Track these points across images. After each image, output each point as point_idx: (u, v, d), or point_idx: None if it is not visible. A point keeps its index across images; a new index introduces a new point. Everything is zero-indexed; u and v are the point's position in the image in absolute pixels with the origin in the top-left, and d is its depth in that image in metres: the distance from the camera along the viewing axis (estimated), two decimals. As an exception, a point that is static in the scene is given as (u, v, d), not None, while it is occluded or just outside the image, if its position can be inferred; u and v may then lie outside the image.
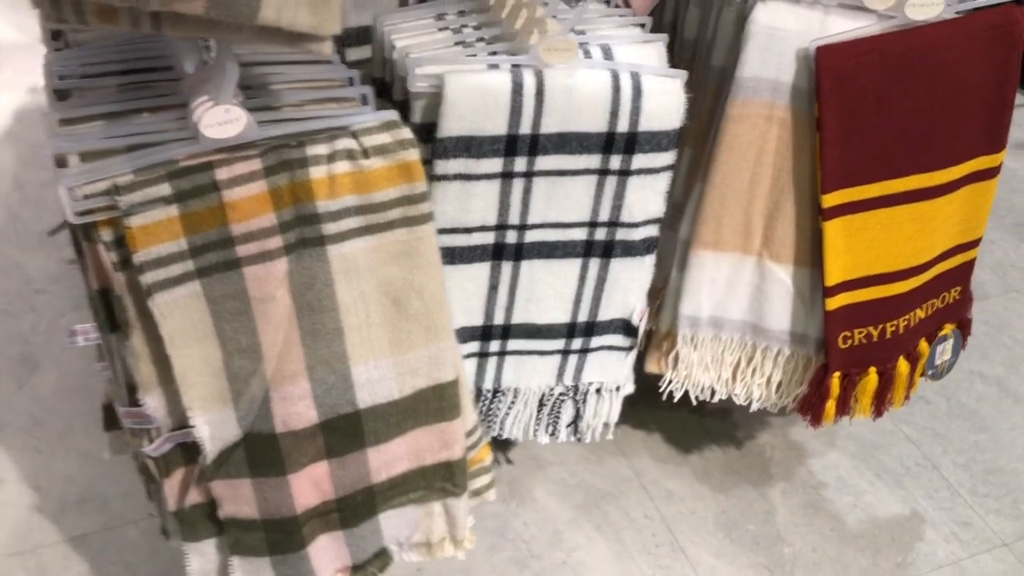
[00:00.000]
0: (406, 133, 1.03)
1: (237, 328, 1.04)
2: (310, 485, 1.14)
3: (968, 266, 1.53)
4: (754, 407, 1.60)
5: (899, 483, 1.86)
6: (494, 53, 1.21)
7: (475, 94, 1.16)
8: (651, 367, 1.58)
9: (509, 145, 1.19)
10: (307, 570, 1.19)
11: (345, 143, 1.02)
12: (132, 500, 1.66)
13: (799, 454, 1.91)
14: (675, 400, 1.57)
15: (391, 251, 1.06)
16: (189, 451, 1.12)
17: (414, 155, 1.03)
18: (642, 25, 1.35)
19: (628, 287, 1.36)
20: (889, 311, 1.48)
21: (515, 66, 1.18)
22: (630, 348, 1.44)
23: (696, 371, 1.57)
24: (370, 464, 1.16)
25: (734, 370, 1.58)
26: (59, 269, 2.17)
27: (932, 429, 1.97)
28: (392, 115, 1.05)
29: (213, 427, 1.08)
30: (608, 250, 1.31)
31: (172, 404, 1.10)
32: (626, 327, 1.40)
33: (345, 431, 1.13)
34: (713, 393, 1.60)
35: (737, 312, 1.51)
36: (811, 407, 1.54)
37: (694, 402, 1.63)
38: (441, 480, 1.21)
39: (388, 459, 1.17)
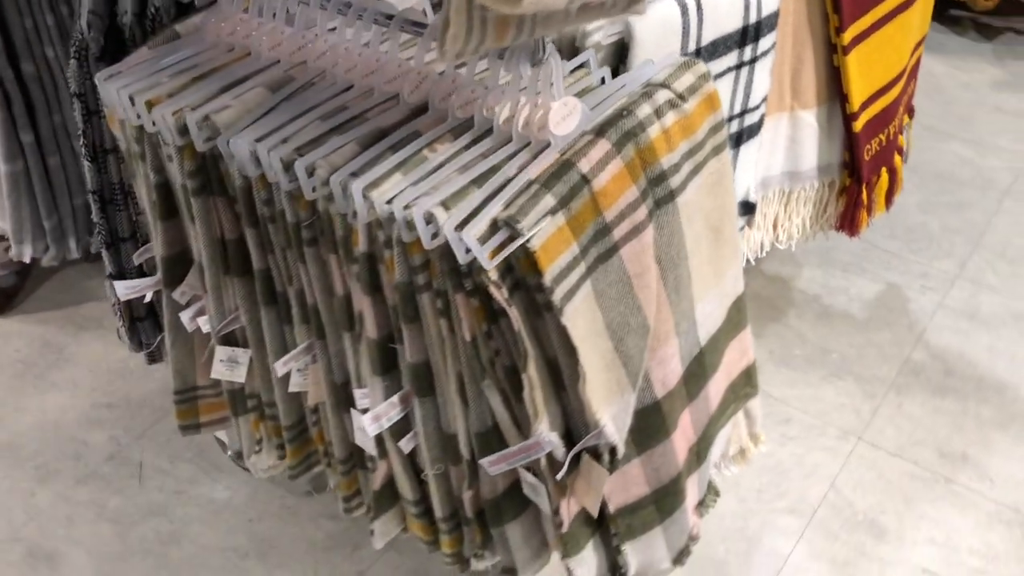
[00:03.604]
0: (702, 67, 1.06)
1: (623, 311, 1.03)
2: (682, 436, 1.16)
3: (919, 60, 1.83)
4: (793, 247, 1.80)
5: (861, 268, 2.18)
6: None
7: (656, 26, 1.20)
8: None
9: (681, 67, 1.25)
10: (686, 521, 1.21)
11: (663, 95, 1.03)
12: None
13: (784, 284, 2.15)
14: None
15: (708, 183, 1.10)
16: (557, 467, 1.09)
17: (712, 85, 1.07)
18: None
19: (747, 168, 1.47)
20: (889, 116, 1.73)
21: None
22: (745, 227, 1.56)
23: (751, 233, 1.73)
24: (710, 396, 1.20)
25: (775, 219, 1.76)
26: None
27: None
28: (681, 57, 1.07)
29: (616, 421, 1.06)
30: (738, 139, 1.42)
31: (553, 420, 1.06)
32: (745, 206, 1.52)
33: (696, 372, 1.16)
34: (761, 247, 1.77)
35: (777, 167, 1.68)
36: (849, 220, 1.77)
37: (753, 262, 1.79)
38: (744, 387, 1.28)
39: (717, 386, 1.22)
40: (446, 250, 0.95)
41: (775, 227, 1.76)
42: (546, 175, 0.96)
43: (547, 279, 0.94)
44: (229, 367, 1.28)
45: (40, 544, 1.69)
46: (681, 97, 1.04)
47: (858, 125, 1.66)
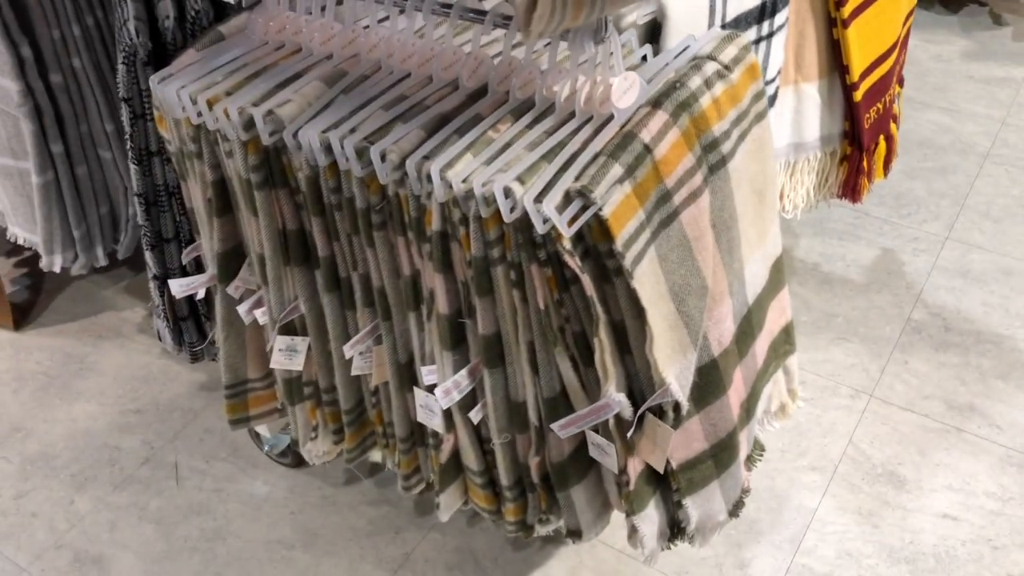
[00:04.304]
0: (744, 39, 1.13)
1: (684, 274, 1.09)
2: (735, 393, 1.23)
3: (909, 30, 1.91)
4: (798, 216, 1.87)
5: (856, 235, 2.26)
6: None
7: (687, 5, 1.26)
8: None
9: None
10: (740, 474, 1.28)
11: (711, 67, 1.09)
12: None
13: (784, 254, 2.22)
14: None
15: (753, 149, 1.16)
16: (625, 427, 1.14)
17: (753, 55, 1.13)
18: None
19: (763, 140, 1.54)
20: (885, 86, 1.81)
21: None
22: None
23: (761, 204, 1.80)
24: (756, 354, 1.27)
25: (781, 190, 1.83)
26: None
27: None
28: (724, 31, 1.13)
29: (680, 380, 1.12)
30: (756, 112, 1.48)
31: (619, 382, 1.12)
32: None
33: (745, 330, 1.22)
34: (769, 218, 1.84)
35: (783, 139, 1.76)
36: (852, 187, 1.85)
37: (762, 232, 1.86)
38: (783, 344, 1.35)
39: (762, 344, 1.28)
40: (522, 223, 1.00)
41: (781, 198, 1.84)
42: (611, 146, 1.01)
43: (618, 244, 1.00)
44: (288, 356, 1.32)
45: (86, 549, 1.71)
46: (727, 68, 1.10)
47: (858, 95, 1.73)
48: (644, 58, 1.17)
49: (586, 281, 1.02)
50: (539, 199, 0.97)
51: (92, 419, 1.94)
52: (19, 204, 1.69)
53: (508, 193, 0.98)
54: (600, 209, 0.98)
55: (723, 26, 1.32)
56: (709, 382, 1.17)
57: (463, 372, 1.17)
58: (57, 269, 1.75)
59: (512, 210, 0.99)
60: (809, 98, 1.73)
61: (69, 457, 1.87)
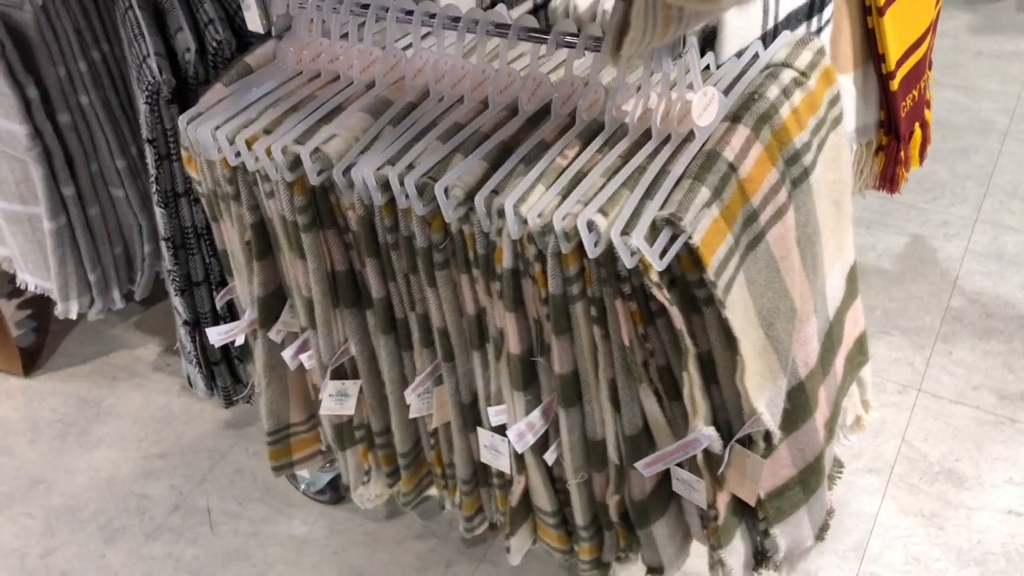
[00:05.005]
0: (817, 42, 1.06)
1: (772, 297, 1.03)
2: (820, 414, 1.17)
3: (938, 15, 1.85)
4: (835, 209, 1.81)
5: (884, 224, 2.21)
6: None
7: (740, 8, 1.19)
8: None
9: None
10: (825, 496, 1.22)
11: (787, 75, 1.03)
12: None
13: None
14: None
15: (830, 157, 1.10)
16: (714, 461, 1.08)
17: (828, 59, 1.07)
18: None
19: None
20: (920, 72, 1.75)
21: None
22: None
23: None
24: (836, 369, 1.21)
25: (818, 186, 1.77)
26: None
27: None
28: (794, 35, 1.07)
29: (770, 407, 1.06)
30: (805, 111, 1.42)
31: (706, 415, 1.05)
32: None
33: (827, 347, 1.16)
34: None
35: (820, 133, 1.70)
36: (889, 177, 1.79)
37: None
38: (857, 355, 1.29)
39: (840, 358, 1.22)
40: (605, 257, 0.93)
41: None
42: (695, 167, 0.95)
43: (710, 273, 0.93)
44: (339, 401, 1.25)
45: (124, 606, 1.64)
46: (804, 74, 1.04)
47: (895, 84, 1.67)
48: (707, 67, 1.11)
49: (675, 314, 0.96)
50: (626, 231, 0.90)
51: (115, 466, 1.86)
52: (29, 250, 1.60)
53: (592, 227, 0.91)
54: (690, 237, 0.91)
55: (775, 26, 1.26)
56: (797, 406, 1.11)
57: (536, 413, 1.10)
58: (73, 316, 1.67)
59: (596, 244, 0.92)
60: (845, 90, 1.66)
61: (95, 508, 1.79)
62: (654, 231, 0.91)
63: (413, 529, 1.70)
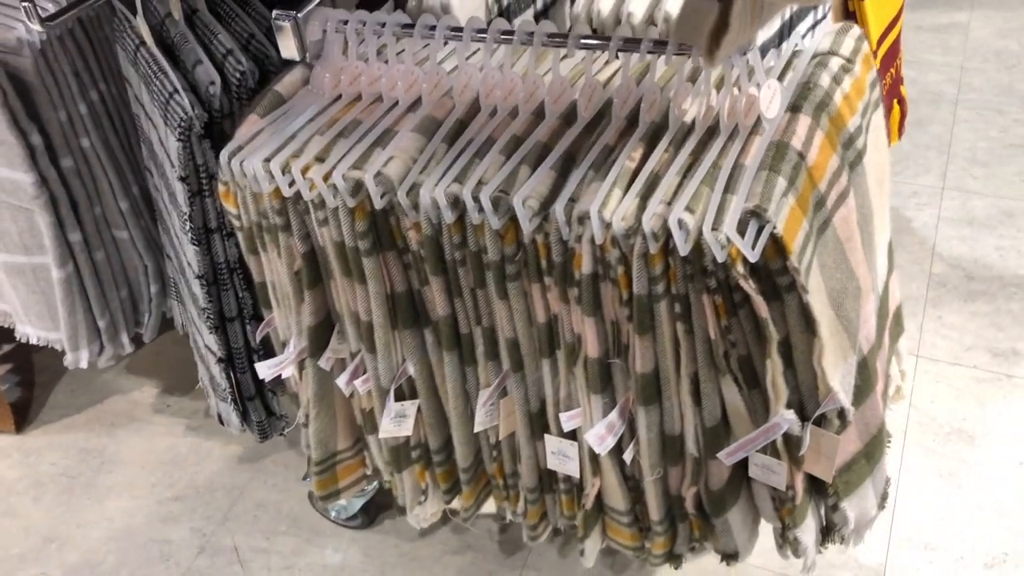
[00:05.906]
0: (856, 29, 1.09)
1: (840, 278, 1.05)
2: (879, 386, 1.20)
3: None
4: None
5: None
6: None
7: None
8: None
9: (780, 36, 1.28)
10: (885, 465, 1.25)
11: (835, 62, 1.06)
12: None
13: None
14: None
15: (873, 138, 1.13)
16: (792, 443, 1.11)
17: (866, 44, 1.10)
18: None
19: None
20: (896, 50, 1.82)
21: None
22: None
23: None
24: (885, 341, 1.24)
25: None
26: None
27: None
28: (838, 24, 1.09)
29: (844, 385, 1.09)
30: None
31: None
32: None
33: (880, 322, 1.20)
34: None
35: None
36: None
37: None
38: (895, 326, 1.33)
39: (886, 330, 1.26)
40: (692, 253, 0.95)
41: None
42: (768, 159, 0.97)
43: (793, 259, 0.95)
44: (397, 423, 1.24)
45: (164, 658, 1.59)
46: (850, 61, 1.07)
47: (876, 63, 1.73)
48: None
49: (760, 302, 0.98)
50: (715, 226, 0.92)
51: (130, 515, 1.81)
52: (32, 302, 1.55)
53: (682, 225, 0.92)
54: (775, 227, 0.93)
55: (791, 17, 1.29)
56: (863, 381, 1.14)
57: (614, 414, 1.11)
58: (84, 365, 1.61)
59: (685, 241, 0.93)
60: (831, 72, 1.71)
61: (115, 561, 1.73)
62: (742, 223, 0.93)
63: (449, 545, 1.69)
